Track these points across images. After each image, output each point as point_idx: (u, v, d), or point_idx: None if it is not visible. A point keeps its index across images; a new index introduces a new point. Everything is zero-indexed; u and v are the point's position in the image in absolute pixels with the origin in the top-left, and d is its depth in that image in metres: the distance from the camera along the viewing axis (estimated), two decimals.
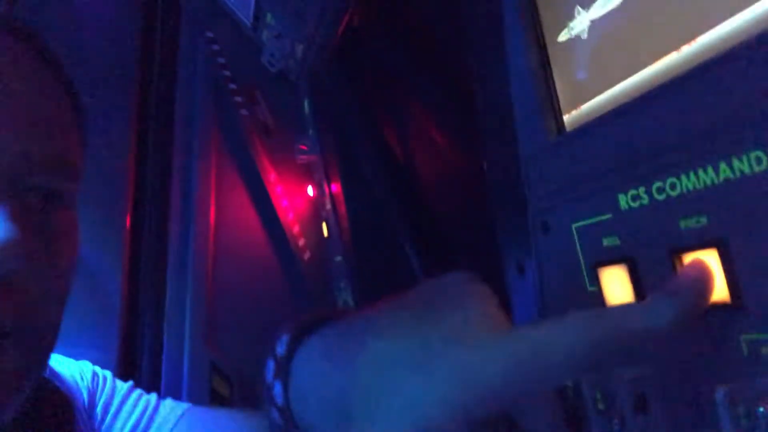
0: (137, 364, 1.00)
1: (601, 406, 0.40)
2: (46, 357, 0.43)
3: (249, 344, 1.07)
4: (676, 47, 0.35)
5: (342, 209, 1.07)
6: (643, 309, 0.26)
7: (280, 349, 0.32)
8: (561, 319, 0.25)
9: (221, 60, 1.19)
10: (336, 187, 1.08)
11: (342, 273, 1.02)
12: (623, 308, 0.29)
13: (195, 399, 0.98)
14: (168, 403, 0.67)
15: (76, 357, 0.66)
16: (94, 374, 0.64)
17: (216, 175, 1.16)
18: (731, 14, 0.31)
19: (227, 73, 1.17)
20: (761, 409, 0.27)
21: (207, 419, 0.66)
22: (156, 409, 0.64)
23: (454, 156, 0.83)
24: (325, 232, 1.06)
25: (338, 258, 1.03)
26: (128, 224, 1.08)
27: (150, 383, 0.98)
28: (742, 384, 0.28)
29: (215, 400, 1.00)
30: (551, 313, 0.46)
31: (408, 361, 0.26)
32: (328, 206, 1.06)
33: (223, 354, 1.03)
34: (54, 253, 0.39)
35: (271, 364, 0.32)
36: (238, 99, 1.15)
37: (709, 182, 0.32)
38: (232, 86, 1.16)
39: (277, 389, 0.31)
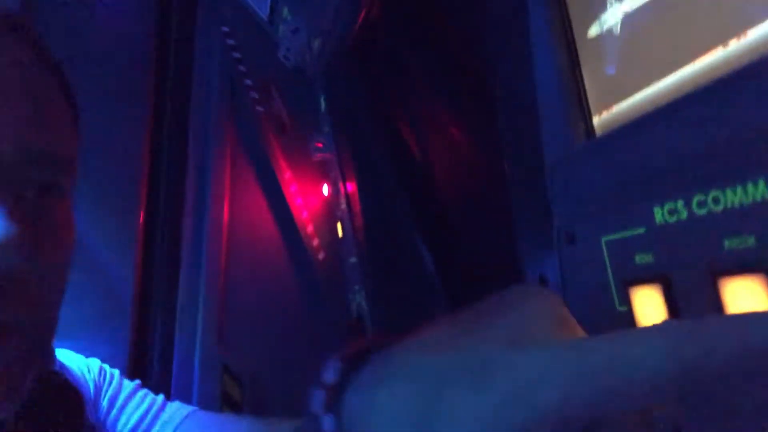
0: (148, 364, 0.99)
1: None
2: (48, 350, 0.44)
3: (261, 346, 1.05)
4: (723, 42, 0.31)
5: (357, 209, 1.04)
6: None
7: (331, 378, 0.30)
8: (649, 329, 0.21)
9: (237, 55, 1.17)
10: (351, 187, 1.05)
11: (356, 275, 1.00)
12: (737, 319, 0.21)
13: (205, 400, 0.97)
14: (174, 404, 0.67)
15: (87, 355, 0.65)
16: (102, 369, 0.65)
17: (231, 172, 1.14)
18: None
19: (243, 68, 1.15)
20: None
21: (212, 423, 0.65)
22: (162, 408, 0.65)
23: (473, 157, 0.80)
24: (340, 233, 1.03)
25: (353, 259, 1.00)
26: (141, 222, 1.06)
27: (160, 383, 0.97)
28: None
29: (226, 402, 0.98)
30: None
31: (465, 378, 0.23)
32: (343, 206, 1.04)
33: (235, 355, 1.02)
34: (52, 247, 0.39)
35: (320, 395, 0.29)
36: (254, 95, 1.13)
37: (759, 198, 0.28)
38: (248, 82, 1.14)
39: (328, 420, 0.28)
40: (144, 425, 0.62)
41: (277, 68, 1.10)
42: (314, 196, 1.11)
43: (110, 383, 0.63)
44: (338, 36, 1.00)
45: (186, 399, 0.96)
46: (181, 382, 0.98)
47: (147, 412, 0.63)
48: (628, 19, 0.38)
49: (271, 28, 1.10)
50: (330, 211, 1.09)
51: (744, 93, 0.29)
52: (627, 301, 0.37)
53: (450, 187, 0.88)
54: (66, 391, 0.55)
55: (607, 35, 0.39)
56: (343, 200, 1.05)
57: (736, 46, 0.30)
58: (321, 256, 1.08)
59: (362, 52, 1.00)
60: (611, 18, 0.38)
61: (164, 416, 0.63)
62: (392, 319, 0.94)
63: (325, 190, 1.10)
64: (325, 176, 1.10)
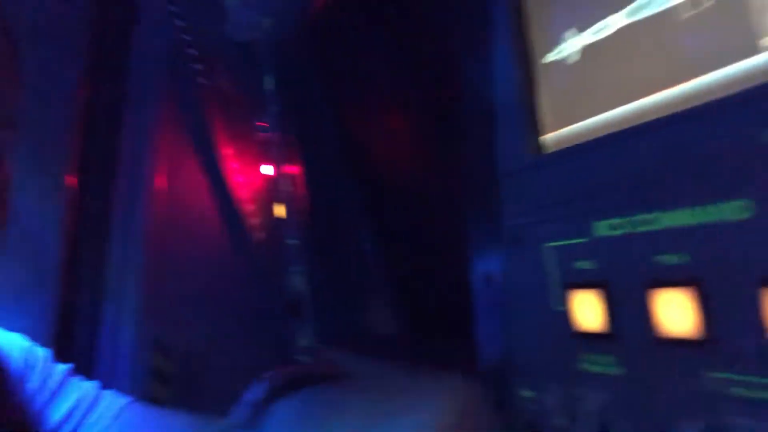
0: (73, 336, 0.96)
1: (561, 420, 0.41)
2: None
3: (195, 322, 1.04)
4: (672, 84, 0.35)
5: (301, 191, 1.05)
6: None
7: (257, 395, 0.32)
8: None
9: (181, 23, 1.13)
10: (295, 169, 1.06)
11: (296, 257, 1.01)
12: None
13: (134, 374, 0.96)
14: (109, 393, 0.66)
15: (10, 322, 0.63)
16: (31, 347, 0.63)
17: (168, 142, 1.11)
18: (733, 60, 0.32)
19: (187, 37, 1.12)
20: None
21: (149, 416, 0.65)
22: (97, 397, 0.63)
23: (425, 148, 0.82)
24: (283, 213, 1.04)
25: (293, 241, 1.01)
26: (72, 187, 1.02)
27: (86, 356, 0.95)
28: (710, 422, 0.30)
29: (156, 376, 0.97)
30: (515, 328, 0.46)
31: None
32: (286, 187, 1.04)
33: (167, 330, 1.01)
34: None
35: (245, 409, 0.32)
36: (198, 66, 1.10)
37: (693, 222, 0.33)
38: (192, 52, 1.11)
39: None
40: (78, 414, 0.60)
41: (225, 42, 1.08)
42: (256, 175, 1.10)
43: (42, 364, 0.61)
44: (291, 16, 1.00)
45: (112, 372, 0.95)
46: (108, 354, 0.96)
47: (81, 400, 0.61)
48: (587, 52, 0.42)
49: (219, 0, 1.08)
50: (272, 192, 1.09)
51: (687, 132, 0.33)
52: (564, 303, 0.41)
53: (400, 176, 0.90)
54: None
55: (564, 63, 0.43)
56: (286, 181, 1.05)
57: (684, 89, 0.35)
58: (259, 235, 1.08)
59: (316, 34, 1.00)
60: (570, 48, 0.42)
61: (100, 406, 0.62)
62: (331, 302, 0.96)
63: (268, 170, 1.10)
64: (268, 156, 1.10)
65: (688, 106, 0.34)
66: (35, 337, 0.95)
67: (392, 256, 0.84)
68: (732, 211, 0.31)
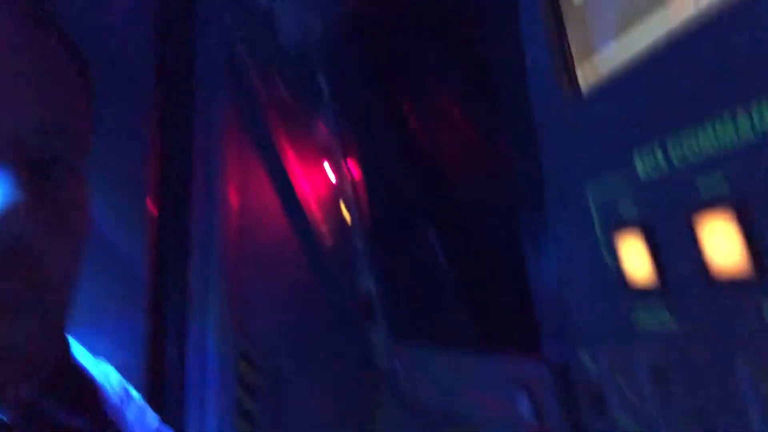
0: (163, 352, 1.00)
1: (620, 380, 0.39)
2: (61, 335, 0.42)
3: (277, 332, 1.05)
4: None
5: (363, 194, 1.03)
6: None
7: None
8: None
9: (237, 35, 1.16)
10: (356, 170, 1.04)
11: (364, 260, 0.99)
12: None
13: (221, 387, 0.98)
14: None
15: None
16: (123, 383, 0.62)
17: (237, 156, 1.14)
18: None
19: (243, 48, 1.14)
20: None
21: None
22: None
23: (476, 137, 0.78)
24: (348, 218, 1.03)
25: (360, 245, 0.99)
26: (152, 207, 1.07)
27: (175, 372, 0.98)
28: (765, 355, 0.27)
29: (243, 388, 0.99)
30: (568, 289, 0.43)
31: None
32: (349, 191, 1.03)
33: (252, 341, 1.02)
34: (64, 221, 0.38)
35: None
36: (256, 76, 1.12)
37: (729, 139, 0.29)
38: (249, 63, 1.12)
39: None
40: None
41: (279, 49, 1.09)
42: (320, 181, 1.10)
43: (139, 401, 0.61)
44: (339, 15, 0.99)
45: (201, 386, 0.98)
46: (196, 369, 0.99)
47: None
48: None
49: (270, 6, 1.09)
50: (336, 197, 1.08)
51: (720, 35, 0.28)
52: (612, 253, 0.38)
53: (457, 169, 0.86)
54: (83, 384, 0.53)
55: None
56: (348, 185, 1.04)
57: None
58: (329, 241, 1.08)
59: (364, 31, 0.98)
60: None
61: None
62: (401, 303, 0.93)
63: (331, 174, 1.09)
64: (329, 160, 1.09)
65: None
66: (126, 354, 1.00)
67: (455, 252, 0.80)
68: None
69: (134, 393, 0.63)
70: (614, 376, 0.40)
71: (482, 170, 0.76)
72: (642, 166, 0.35)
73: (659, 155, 0.33)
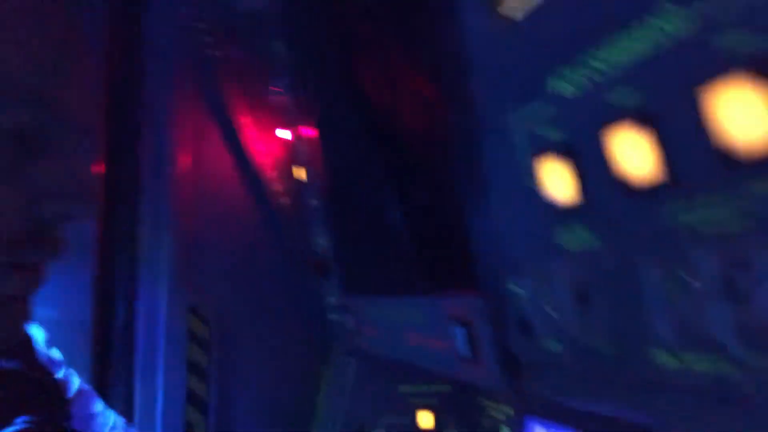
0: (112, 308, 1.00)
1: (545, 302, 0.40)
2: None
3: (228, 287, 1.07)
4: None
5: (318, 154, 1.05)
6: None
7: None
8: None
9: None
10: (312, 130, 1.06)
11: (319, 217, 1.01)
12: None
13: (172, 341, 0.99)
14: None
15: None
16: (67, 371, 0.63)
17: (189, 120, 1.14)
18: None
19: (196, 12, 1.13)
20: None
21: None
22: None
23: (427, 97, 0.81)
24: (303, 177, 1.04)
25: (314, 202, 1.01)
26: (102, 165, 1.06)
27: (125, 327, 0.98)
28: (675, 256, 0.28)
29: (193, 341, 1.00)
30: (499, 216, 0.45)
31: None
32: (304, 150, 1.04)
33: (201, 296, 1.03)
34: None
35: None
36: (209, 39, 1.11)
37: (636, 51, 0.30)
38: (201, 26, 1.12)
39: None
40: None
41: (232, 11, 1.09)
42: (275, 142, 1.11)
43: (77, 389, 0.62)
44: None
45: (152, 338, 0.98)
46: (146, 324, 0.99)
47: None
48: None
49: None
50: (292, 156, 1.09)
51: None
52: (534, 177, 0.39)
53: (407, 127, 0.89)
54: (47, 378, 0.55)
55: None
56: (304, 144, 1.05)
57: None
58: (283, 200, 1.09)
59: None
60: None
61: None
62: (353, 259, 0.96)
63: (285, 135, 1.10)
64: (285, 121, 1.11)
65: None
66: (75, 308, 0.99)
67: (411, 208, 0.83)
68: (670, 23, 0.28)
69: (58, 355, 0.64)
70: (540, 298, 0.41)
71: (430, 127, 0.79)
72: (559, 88, 0.36)
73: (575, 75, 0.35)
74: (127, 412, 0.93)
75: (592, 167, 0.35)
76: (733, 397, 0.29)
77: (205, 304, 1.03)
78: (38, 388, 0.56)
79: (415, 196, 0.81)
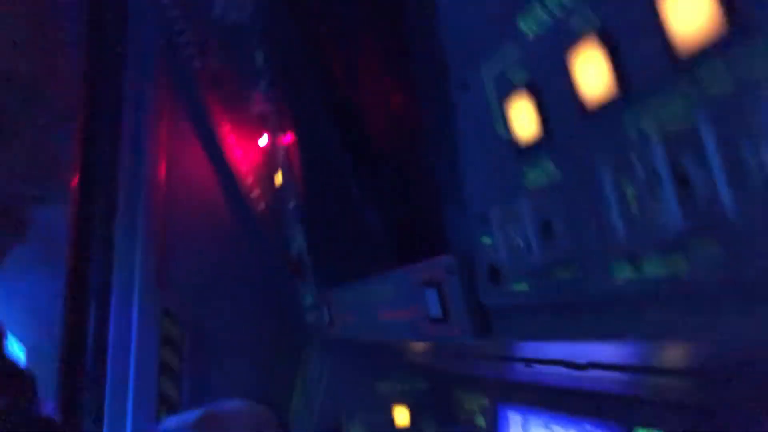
0: (85, 308, 0.98)
1: (512, 243, 0.41)
2: None
3: (203, 290, 1.06)
4: None
5: (296, 157, 1.07)
6: None
7: None
8: None
9: (173, 12, 1.18)
10: (290, 137, 1.08)
11: (295, 220, 1.02)
12: None
13: (144, 342, 0.97)
14: None
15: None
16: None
17: (169, 125, 1.15)
18: None
19: (178, 24, 1.16)
20: None
21: None
22: None
23: (410, 105, 0.84)
24: (279, 180, 1.06)
25: (291, 204, 1.02)
26: (78, 168, 1.06)
27: (98, 327, 0.97)
28: (631, 167, 0.29)
29: (166, 344, 0.99)
30: (469, 168, 0.47)
31: None
32: (282, 155, 1.06)
33: (176, 298, 1.02)
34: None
35: None
36: (191, 51, 1.14)
37: None
38: (185, 38, 1.15)
39: None
40: None
41: (213, 23, 1.12)
42: (253, 148, 1.13)
43: None
44: None
45: (125, 340, 0.97)
46: (119, 325, 0.98)
47: None
48: None
49: None
50: (269, 162, 1.11)
51: None
52: (505, 118, 0.41)
53: (388, 133, 0.91)
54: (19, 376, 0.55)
55: None
56: (281, 150, 1.07)
57: None
58: (260, 206, 1.10)
59: (297, 5, 1.04)
60: None
61: None
62: (329, 258, 0.96)
63: (264, 141, 1.12)
64: (265, 128, 1.13)
65: None
66: (48, 311, 0.97)
67: (385, 209, 0.85)
68: None
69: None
70: (506, 241, 0.41)
71: (405, 127, 0.82)
72: (525, 26, 0.37)
73: (539, 9, 0.36)
74: (97, 413, 0.91)
75: (554, 99, 0.36)
76: (684, 295, 0.30)
77: (179, 305, 1.02)
78: (6, 375, 0.55)
79: (387, 177, 0.82)
